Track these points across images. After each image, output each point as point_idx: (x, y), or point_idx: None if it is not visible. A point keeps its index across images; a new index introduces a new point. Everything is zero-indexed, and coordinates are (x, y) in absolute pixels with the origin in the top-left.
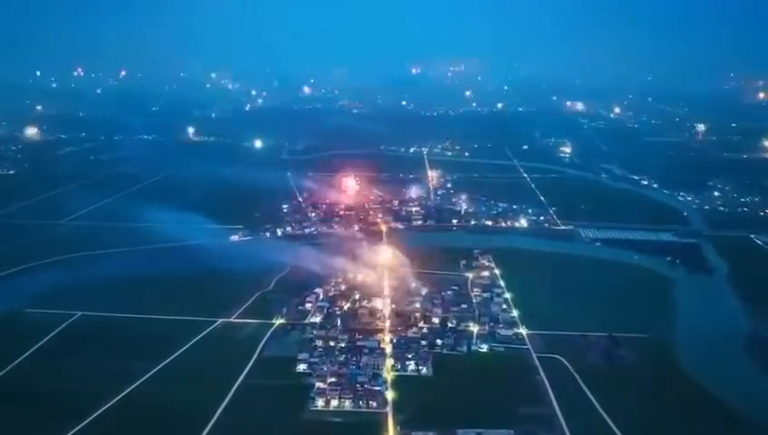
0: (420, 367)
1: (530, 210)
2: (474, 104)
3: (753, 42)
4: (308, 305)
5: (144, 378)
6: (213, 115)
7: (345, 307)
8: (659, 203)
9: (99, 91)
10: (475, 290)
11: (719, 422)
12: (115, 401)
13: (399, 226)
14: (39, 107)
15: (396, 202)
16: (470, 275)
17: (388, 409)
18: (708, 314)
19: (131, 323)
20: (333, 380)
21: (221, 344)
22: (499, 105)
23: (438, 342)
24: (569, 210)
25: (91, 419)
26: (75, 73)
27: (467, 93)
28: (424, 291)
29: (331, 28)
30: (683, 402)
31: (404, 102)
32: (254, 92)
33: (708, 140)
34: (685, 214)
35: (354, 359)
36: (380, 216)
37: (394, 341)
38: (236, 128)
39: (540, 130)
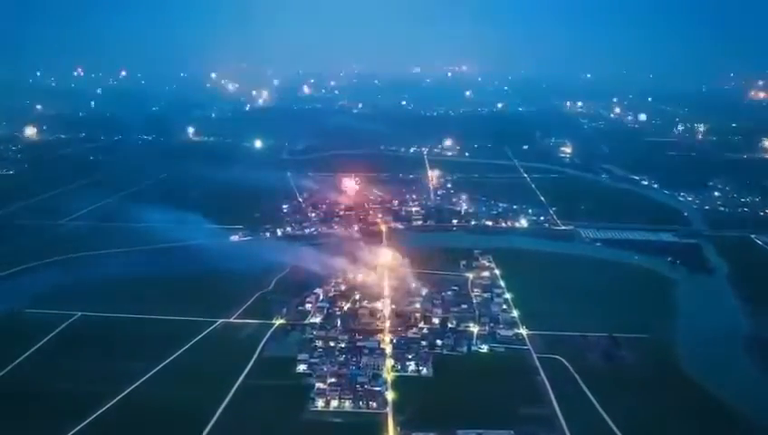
0: (420, 367)
1: (530, 210)
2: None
3: (753, 42)
4: (308, 306)
5: (144, 378)
6: (213, 115)
7: (345, 308)
8: (660, 203)
9: (99, 90)
10: (476, 290)
11: (719, 422)
12: (115, 401)
13: (399, 226)
14: (39, 107)
15: (396, 202)
16: (470, 276)
17: (389, 409)
18: (708, 314)
19: (131, 324)
20: (333, 380)
21: (221, 345)
22: (499, 105)
23: (438, 342)
24: (569, 210)
25: (90, 419)
26: (75, 73)
27: (467, 93)
28: (424, 291)
29: (331, 28)
30: (683, 403)
31: (404, 102)
32: (254, 92)
33: (708, 140)
34: (685, 214)
35: (354, 359)
36: (380, 216)
37: (394, 341)
38: (236, 128)
39: (540, 130)
